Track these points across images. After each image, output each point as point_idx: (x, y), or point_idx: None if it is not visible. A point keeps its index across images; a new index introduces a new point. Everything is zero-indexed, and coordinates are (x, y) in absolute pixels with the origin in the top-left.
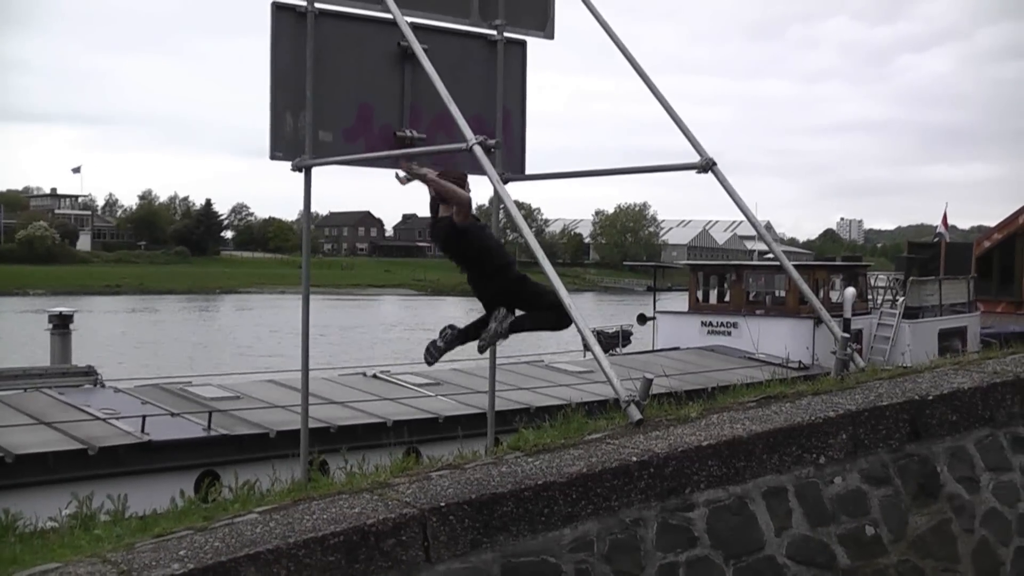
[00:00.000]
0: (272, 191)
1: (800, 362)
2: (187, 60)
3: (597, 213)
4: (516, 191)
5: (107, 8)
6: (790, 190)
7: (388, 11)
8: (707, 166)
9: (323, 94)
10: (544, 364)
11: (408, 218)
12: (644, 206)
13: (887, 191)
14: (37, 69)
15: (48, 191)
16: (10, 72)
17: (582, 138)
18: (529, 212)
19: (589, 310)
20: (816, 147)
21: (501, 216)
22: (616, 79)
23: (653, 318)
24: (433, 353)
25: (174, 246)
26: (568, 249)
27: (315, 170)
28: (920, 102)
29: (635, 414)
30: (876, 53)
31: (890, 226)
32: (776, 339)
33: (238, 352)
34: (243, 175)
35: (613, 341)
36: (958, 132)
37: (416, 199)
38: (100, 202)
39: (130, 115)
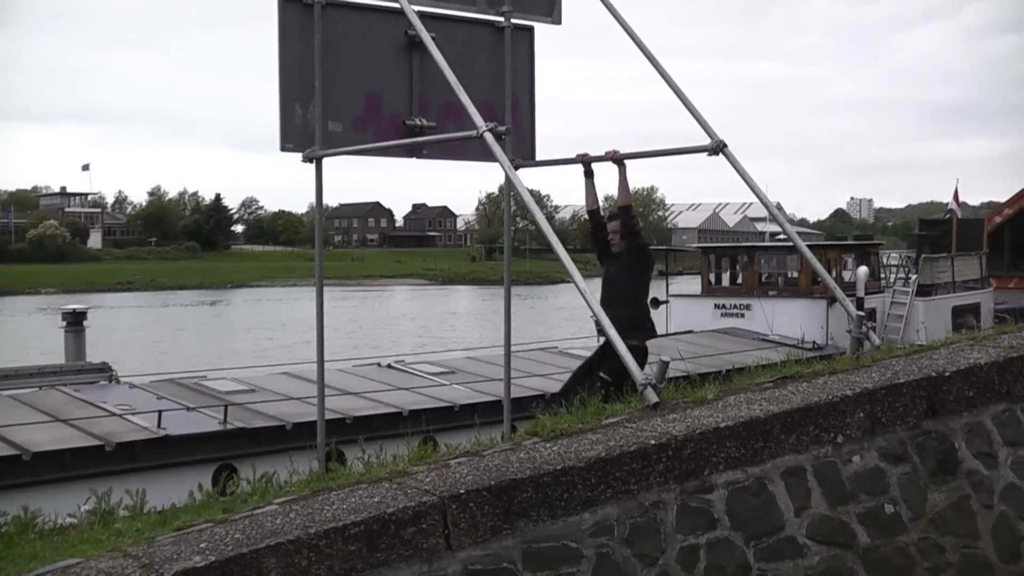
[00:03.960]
0: (282, 185)
1: (814, 342)
2: (188, 54)
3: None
4: (526, 177)
5: (100, 3)
6: (795, 171)
7: (395, 0)
8: (718, 148)
9: (332, 85)
10: (558, 350)
11: (418, 208)
12: (652, 190)
13: (893, 170)
14: (30, 68)
15: (57, 190)
16: (2, 71)
17: (586, 124)
18: (539, 199)
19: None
20: (817, 127)
21: (512, 203)
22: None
23: (666, 302)
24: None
25: (184, 241)
26: (579, 235)
27: (325, 162)
28: (914, 80)
29: (652, 397)
30: (863, 32)
31: (900, 204)
32: (790, 320)
33: (249, 346)
34: (253, 169)
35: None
36: (956, 109)
37: (425, 189)
38: (110, 199)
39: (135, 112)
